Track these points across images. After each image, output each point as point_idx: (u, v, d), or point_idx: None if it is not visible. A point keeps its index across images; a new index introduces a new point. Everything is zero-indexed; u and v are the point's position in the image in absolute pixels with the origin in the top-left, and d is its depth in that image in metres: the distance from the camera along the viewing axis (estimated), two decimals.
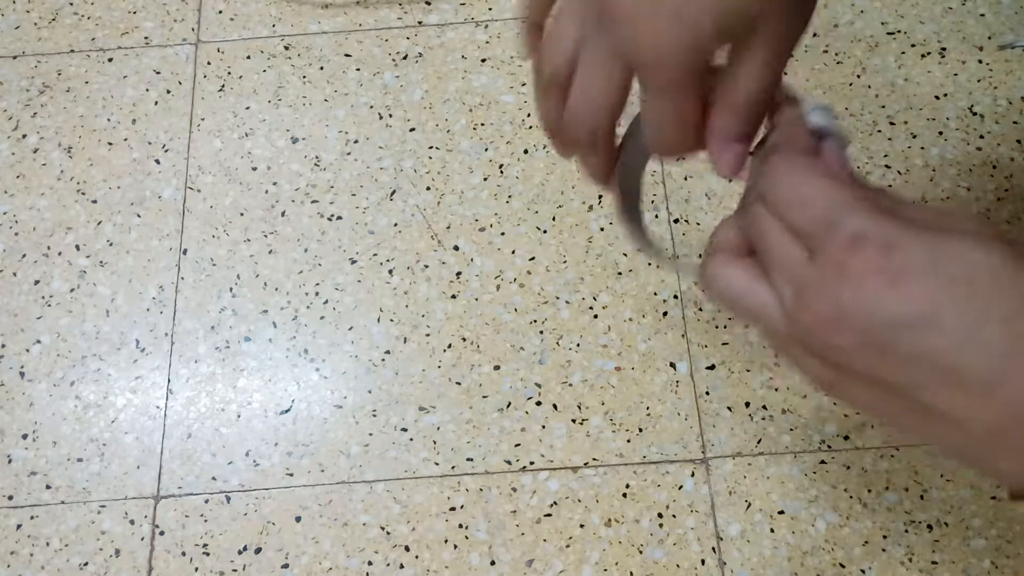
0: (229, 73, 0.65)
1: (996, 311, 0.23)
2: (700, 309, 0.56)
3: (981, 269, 0.24)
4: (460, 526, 0.52)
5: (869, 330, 0.24)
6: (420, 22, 0.66)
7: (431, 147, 0.62)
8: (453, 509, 0.53)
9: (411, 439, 0.54)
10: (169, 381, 0.56)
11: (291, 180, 0.62)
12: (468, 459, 0.54)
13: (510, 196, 0.60)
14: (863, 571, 0.50)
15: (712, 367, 0.55)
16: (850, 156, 0.30)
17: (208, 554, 0.52)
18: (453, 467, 0.54)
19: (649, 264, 0.58)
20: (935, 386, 0.24)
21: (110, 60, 0.66)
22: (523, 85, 0.64)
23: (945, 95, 0.62)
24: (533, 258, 0.59)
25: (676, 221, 0.59)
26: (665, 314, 0.57)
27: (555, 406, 0.55)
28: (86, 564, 0.52)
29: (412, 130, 0.63)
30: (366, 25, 0.66)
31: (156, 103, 0.65)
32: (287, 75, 0.65)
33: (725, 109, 0.30)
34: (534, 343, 0.56)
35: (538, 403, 0.55)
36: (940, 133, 0.61)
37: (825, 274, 0.25)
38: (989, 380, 0.23)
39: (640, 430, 0.54)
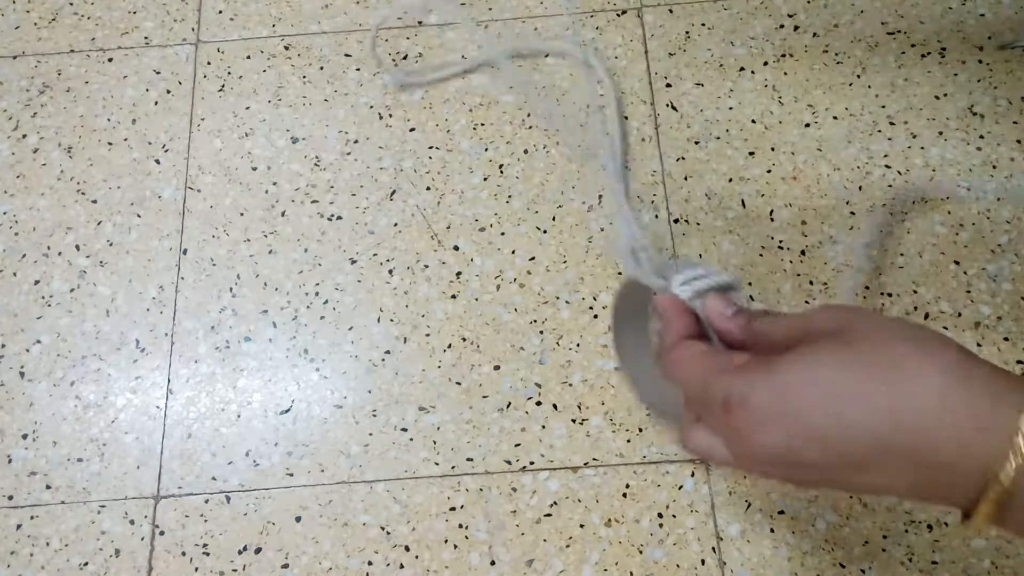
0: (229, 73, 0.65)
1: (838, 402, 0.28)
2: None
3: (813, 379, 0.29)
4: (460, 526, 0.52)
5: (777, 460, 0.30)
6: (420, 22, 0.66)
7: (431, 147, 0.62)
8: (453, 509, 0.53)
9: (411, 439, 0.54)
10: (169, 381, 0.56)
11: (291, 180, 0.62)
12: (468, 459, 0.54)
13: (510, 196, 0.60)
14: (863, 571, 0.50)
15: None
16: (733, 289, 0.37)
17: (208, 554, 0.52)
18: (453, 467, 0.54)
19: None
20: (848, 474, 0.29)
21: (110, 60, 0.66)
22: (523, 85, 0.64)
23: (945, 95, 0.62)
24: (533, 258, 0.59)
25: (676, 221, 0.59)
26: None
27: (555, 406, 0.55)
28: (86, 564, 0.52)
29: (412, 130, 0.63)
30: (366, 25, 0.66)
31: (156, 103, 0.65)
32: (287, 75, 0.65)
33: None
34: (534, 343, 0.56)
35: (538, 403, 0.55)
36: (940, 133, 0.61)
37: (726, 434, 0.31)
38: (877, 458, 0.28)
39: (640, 430, 0.54)
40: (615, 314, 0.43)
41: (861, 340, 0.30)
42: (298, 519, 0.53)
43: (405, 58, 0.65)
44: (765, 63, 0.64)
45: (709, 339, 0.36)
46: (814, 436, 0.29)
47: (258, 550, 0.52)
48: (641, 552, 0.51)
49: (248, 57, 0.66)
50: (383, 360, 0.56)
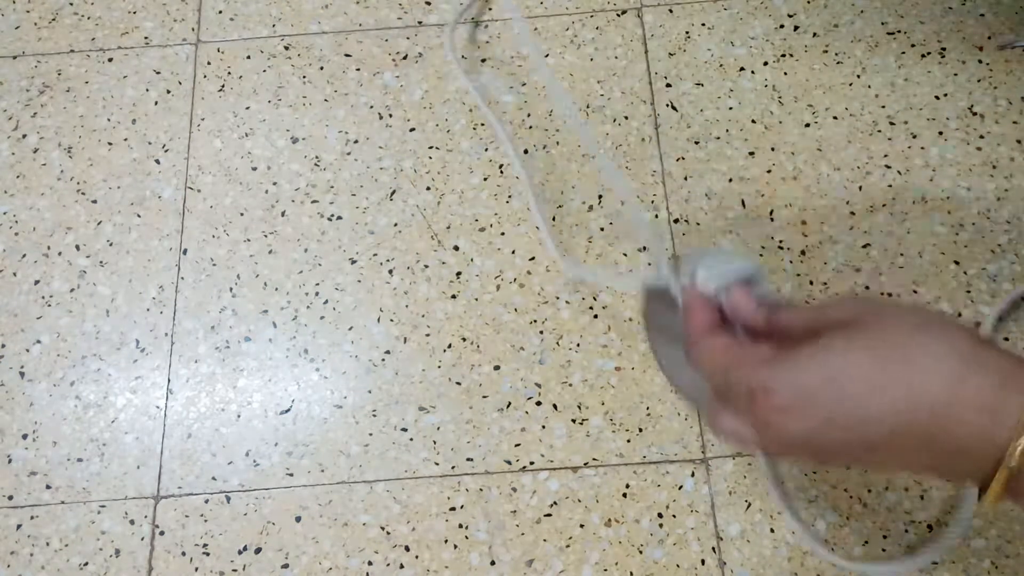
0: (229, 73, 0.65)
1: (856, 389, 0.30)
2: None
3: (833, 368, 0.31)
4: (460, 526, 0.52)
5: (802, 446, 0.32)
6: (420, 22, 0.66)
7: (431, 147, 0.62)
8: (453, 509, 0.53)
9: (411, 439, 0.54)
10: (169, 381, 0.56)
11: (291, 180, 0.62)
12: (468, 459, 0.54)
13: (510, 196, 0.60)
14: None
15: None
16: (758, 279, 0.38)
17: (208, 554, 0.52)
18: (453, 467, 0.54)
19: (649, 264, 0.58)
20: (870, 455, 0.31)
21: (110, 60, 0.66)
22: (523, 85, 0.64)
23: (945, 95, 0.62)
24: (533, 258, 0.59)
25: (676, 221, 0.59)
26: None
27: (555, 406, 0.55)
28: (86, 564, 0.52)
29: (412, 130, 0.63)
30: (366, 25, 0.66)
31: (156, 103, 0.65)
32: (287, 75, 0.65)
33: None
34: (534, 343, 0.56)
35: (538, 403, 0.55)
36: (940, 133, 0.61)
37: (751, 421, 0.33)
38: (893, 441, 0.30)
39: (640, 430, 0.54)
40: (644, 303, 0.43)
41: (876, 330, 0.31)
42: (298, 519, 0.53)
43: (405, 58, 0.65)
44: (765, 63, 0.63)
45: (734, 329, 0.37)
46: (834, 423, 0.30)
47: (258, 550, 0.52)
48: (641, 552, 0.51)
49: (248, 57, 0.66)
50: (383, 360, 0.56)
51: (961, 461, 0.30)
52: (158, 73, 0.66)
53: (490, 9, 0.66)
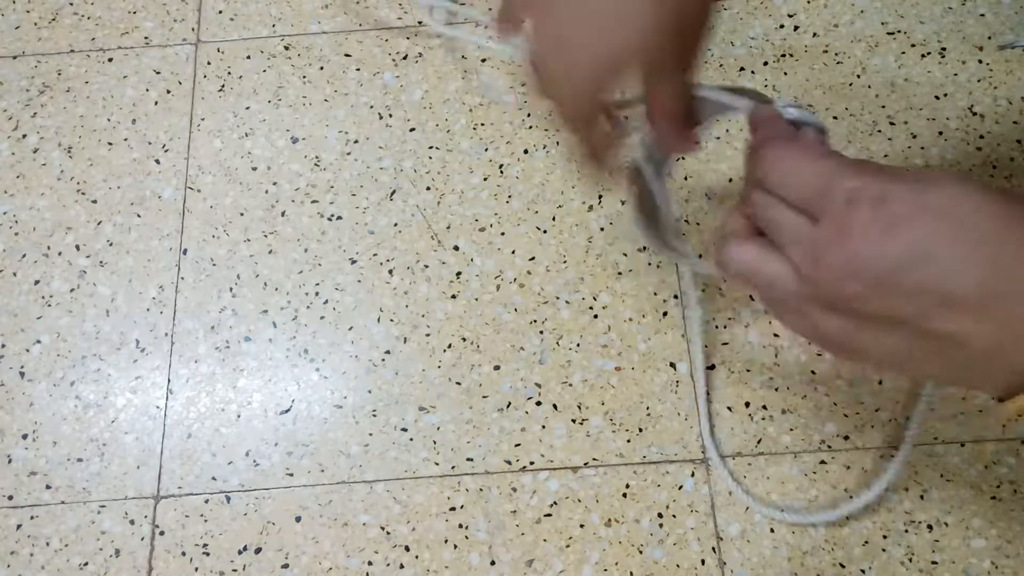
0: (229, 73, 0.65)
1: (980, 240, 0.27)
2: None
3: (963, 205, 0.27)
4: (460, 526, 0.52)
5: (877, 274, 0.28)
6: (420, 22, 0.66)
7: (431, 147, 0.62)
8: (453, 509, 0.53)
9: (411, 439, 0.54)
10: (169, 381, 0.56)
11: (291, 180, 0.62)
12: (468, 459, 0.54)
13: (510, 196, 0.60)
14: (863, 571, 0.50)
15: (712, 367, 0.55)
16: (827, 141, 0.33)
17: (208, 554, 0.52)
18: (453, 467, 0.54)
19: (649, 264, 0.58)
20: (938, 313, 0.27)
21: (110, 60, 0.66)
22: (523, 85, 0.64)
23: (945, 95, 0.62)
24: (533, 258, 0.59)
25: (676, 221, 0.59)
26: (665, 314, 0.57)
27: (555, 406, 0.55)
28: (86, 564, 0.52)
29: (412, 130, 0.63)
30: (366, 25, 0.66)
31: (156, 103, 0.65)
32: (287, 75, 0.65)
33: (664, 119, 0.36)
34: (534, 343, 0.56)
35: (538, 403, 0.55)
36: (940, 133, 0.61)
37: (830, 234, 0.29)
38: (981, 301, 0.27)
39: (640, 430, 0.54)
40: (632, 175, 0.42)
41: (1000, 194, 0.28)
42: (298, 519, 0.53)
43: (405, 58, 0.65)
44: (765, 63, 0.64)
45: None
46: (937, 261, 0.27)
47: (258, 550, 0.52)
48: (641, 552, 0.51)
49: (248, 57, 0.66)
50: (383, 360, 0.56)
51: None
52: (158, 73, 0.66)
53: (489, 9, 0.66)
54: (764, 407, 0.54)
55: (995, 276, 0.27)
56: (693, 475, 0.53)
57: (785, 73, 0.63)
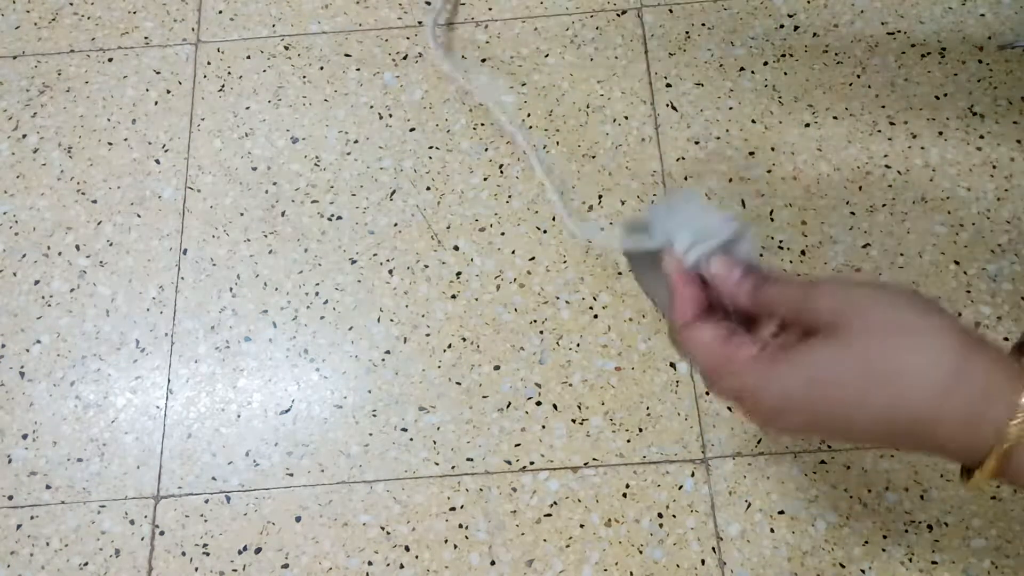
0: (229, 73, 0.65)
1: (839, 399, 0.31)
2: None
3: (815, 380, 0.31)
4: (460, 526, 0.52)
5: (794, 434, 0.35)
6: (420, 22, 0.66)
7: (431, 147, 0.62)
8: (453, 509, 0.53)
9: (411, 439, 0.54)
10: (169, 381, 0.56)
11: (291, 180, 0.62)
12: (468, 459, 0.54)
13: (510, 196, 0.60)
14: (863, 571, 0.50)
15: None
16: (741, 236, 0.36)
17: (208, 554, 0.52)
18: (453, 467, 0.54)
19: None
20: (864, 442, 0.33)
21: (110, 60, 0.66)
22: (523, 85, 0.64)
23: (945, 95, 0.62)
24: (533, 258, 0.59)
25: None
26: (665, 314, 0.56)
27: (555, 406, 0.55)
28: (86, 564, 0.52)
29: (412, 130, 0.63)
30: (366, 25, 0.66)
31: (156, 103, 0.65)
32: (287, 75, 0.65)
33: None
34: (534, 343, 0.56)
35: (538, 403, 0.55)
36: (940, 133, 0.61)
37: (744, 414, 0.34)
38: (885, 439, 0.31)
39: (640, 430, 0.54)
40: (625, 240, 0.43)
41: (861, 337, 0.31)
42: (298, 519, 0.53)
43: (405, 58, 0.65)
44: (765, 63, 0.63)
45: (720, 302, 0.37)
46: (819, 424, 0.32)
47: (258, 550, 0.52)
48: (641, 552, 0.51)
49: (248, 57, 0.66)
50: (383, 360, 0.56)
51: (946, 456, 0.31)
52: (158, 73, 0.66)
53: (490, 9, 0.66)
54: None
55: (878, 428, 0.31)
56: (693, 475, 0.53)
57: (785, 73, 0.63)
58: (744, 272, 0.36)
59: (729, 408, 0.54)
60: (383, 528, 0.52)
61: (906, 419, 0.30)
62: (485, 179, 0.61)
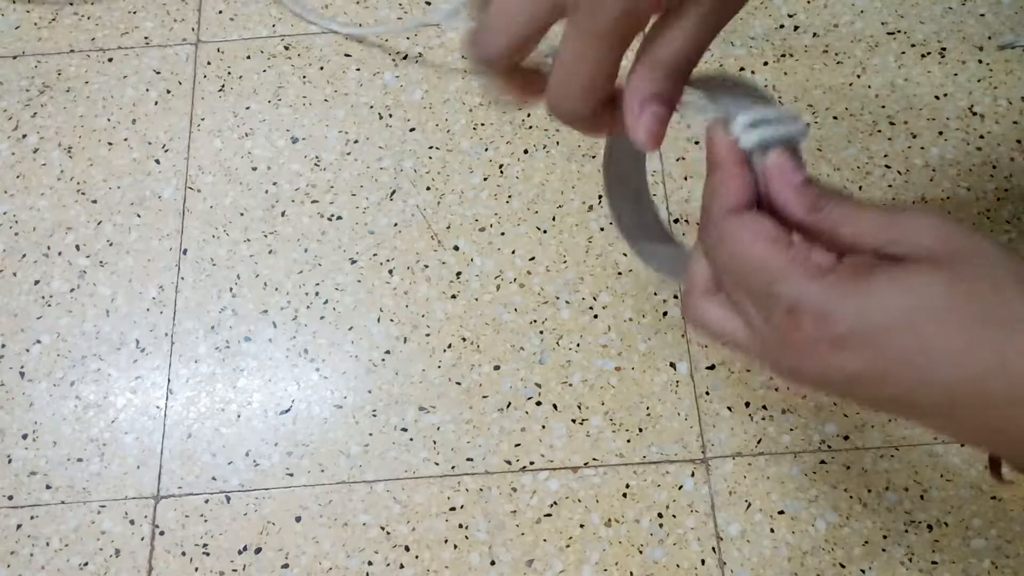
0: (229, 73, 0.65)
1: (939, 345, 0.24)
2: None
3: (917, 311, 0.24)
4: (460, 526, 0.52)
5: (827, 385, 0.26)
6: (420, 22, 0.66)
7: (431, 147, 0.62)
8: (453, 509, 0.53)
9: (411, 439, 0.54)
10: (169, 381, 0.56)
11: (291, 180, 0.62)
12: (468, 459, 0.54)
13: (510, 196, 0.60)
14: (863, 571, 0.50)
15: (712, 367, 0.55)
16: (800, 145, 0.29)
17: (208, 554, 0.52)
18: (453, 467, 0.54)
19: None
20: (901, 414, 0.26)
21: (110, 60, 0.66)
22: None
23: (945, 95, 0.62)
24: (533, 258, 0.59)
25: (676, 221, 0.59)
26: (665, 314, 0.57)
27: (555, 406, 0.55)
28: (86, 564, 0.52)
29: (412, 130, 0.63)
30: (366, 25, 0.66)
31: (156, 103, 0.65)
32: (287, 75, 0.65)
33: (649, 66, 0.28)
34: (534, 343, 0.56)
35: (538, 403, 0.55)
36: (940, 133, 0.61)
37: (778, 339, 0.26)
38: (945, 411, 0.25)
39: (640, 430, 0.54)
40: (608, 146, 0.36)
41: (974, 275, 0.25)
42: (298, 519, 0.53)
43: (405, 58, 0.65)
44: (765, 63, 0.64)
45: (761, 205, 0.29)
46: (892, 377, 0.25)
47: (258, 550, 0.52)
48: (641, 552, 0.51)
49: (248, 57, 0.66)
50: (383, 360, 0.56)
51: (1012, 436, 0.25)
52: (158, 73, 0.66)
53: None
54: (764, 407, 0.54)
55: (969, 391, 0.24)
56: (693, 475, 0.53)
57: (785, 73, 0.63)
58: (807, 178, 0.28)
59: (729, 408, 0.54)
60: (383, 528, 0.52)
61: (1009, 385, 0.23)
62: (485, 179, 0.61)
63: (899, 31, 0.64)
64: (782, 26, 0.65)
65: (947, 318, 0.24)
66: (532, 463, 0.53)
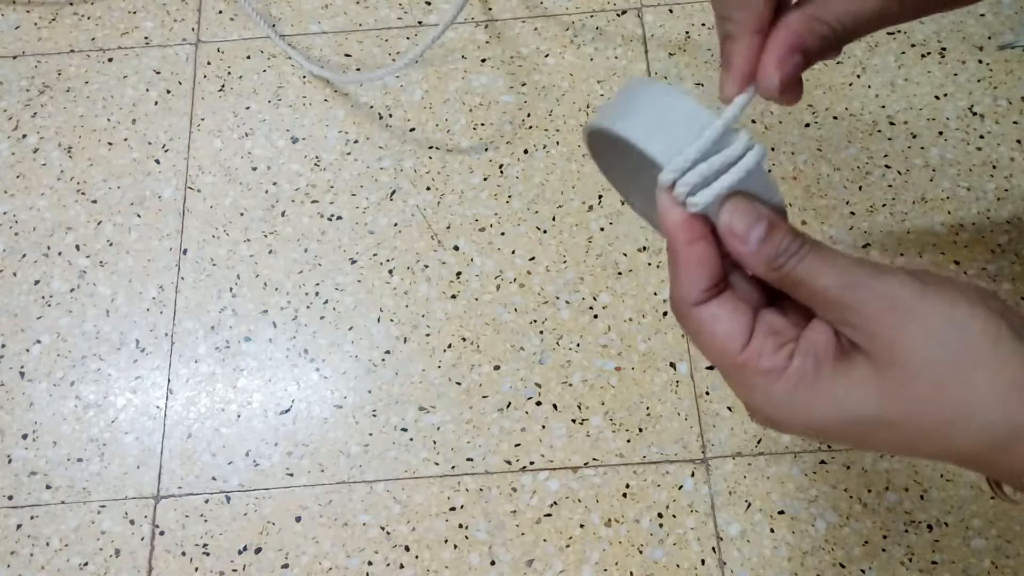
0: (229, 73, 0.65)
1: (880, 446, 0.26)
2: None
3: (854, 424, 0.26)
4: (460, 526, 0.52)
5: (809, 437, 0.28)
6: (420, 22, 0.66)
7: (431, 147, 0.62)
8: (453, 509, 0.53)
9: (411, 439, 0.54)
10: (169, 381, 0.56)
11: (291, 180, 0.62)
12: (468, 459, 0.54)
13: (510, 196, 0.60)
14: (863, 571, 0.50)
15: (712, 367, 0.55)
16: (760, 174, 0.27)
17: (208, 554, 0.52)
18: (453, 467, 0.54)
19: (649, 264, 0.58)
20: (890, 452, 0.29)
21: (110, 60, 0.66)
22: (523, 85, 0.64)
23: (945, 95, 0.62)
24: (533, 258, 0.59)
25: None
26: (665, 314, 0.57)
27: (555, 406, 0.55)
28: (86, 564, 0.52)
29: (412, 130, 0.63)
30: (366, 25, 0.66)
31: (156, 103, 0.65)
32: (287, 75, 0.65)
33: (806, 18, 0.29)
34: (534, 343, 0.56)
35: (538, 403, 0.55)
36: (940, 133, 0.61)
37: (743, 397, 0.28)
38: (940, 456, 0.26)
39: (640, 430, 0.54)
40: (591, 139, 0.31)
41: (910, 376, 0.25)
42: (298, 519, 0.53)
43: None
44: None
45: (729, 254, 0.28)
46: (849, 442, 0.27)
47: (258, 550, 0.52)
48: (641, 552, 0.51)
49: (248, 57, 0.66)
50: (383, 360, 0.56)
51: (995, 472, 0.26)
52: (158, 73, 0.66)
53: (490, 9, 0.66)
54: None
55: (924, 455, 0.26)
56: (693, 475, 0.53)
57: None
58: (768, 229, 0.26)
59: (729, 408, 0.54)
60: (383, 528, 0.52)
61: (956, 457, 0.25)
62: (485, 179, 0.61)
63: (899, 31, 0.64)
64: None
65: (883, 422, 0.25)
66: (532, 463, 0.53)
